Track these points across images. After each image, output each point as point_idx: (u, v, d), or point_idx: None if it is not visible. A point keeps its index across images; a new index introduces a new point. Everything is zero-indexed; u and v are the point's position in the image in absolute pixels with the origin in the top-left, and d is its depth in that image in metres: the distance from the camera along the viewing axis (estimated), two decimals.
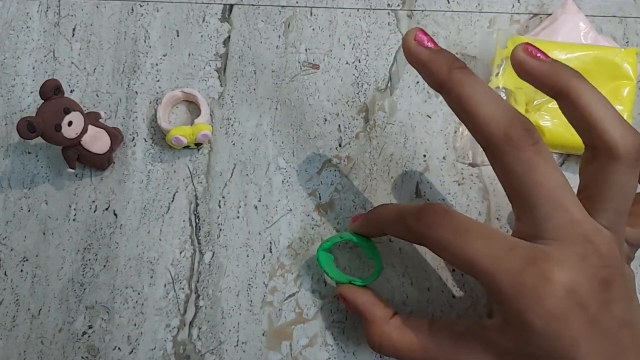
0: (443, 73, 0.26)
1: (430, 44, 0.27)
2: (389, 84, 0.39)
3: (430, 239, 0.26)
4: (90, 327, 0.34)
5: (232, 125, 0.38)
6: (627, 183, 0.26)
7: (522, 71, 0.27)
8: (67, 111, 0.33)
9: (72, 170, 0.36)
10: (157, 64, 0.39)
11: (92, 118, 0.36)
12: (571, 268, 0.24)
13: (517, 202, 0.26)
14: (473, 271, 0.25)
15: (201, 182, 0.37)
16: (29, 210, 0.36)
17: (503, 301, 0.24)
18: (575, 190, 0.27)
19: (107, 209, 0.36)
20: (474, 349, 0.26)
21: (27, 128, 0.31)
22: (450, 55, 0.27)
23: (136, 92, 0.39)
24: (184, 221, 0.36)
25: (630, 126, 0.26)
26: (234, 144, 0.38)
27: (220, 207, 0.36)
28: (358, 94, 0.39)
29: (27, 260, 0.36)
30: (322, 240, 0.35)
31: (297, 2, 0.41)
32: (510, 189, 0.26)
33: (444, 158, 0.37)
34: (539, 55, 0.27)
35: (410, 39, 0.27)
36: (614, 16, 0.41)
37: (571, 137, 0.35)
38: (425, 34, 0.27)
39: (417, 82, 0.39)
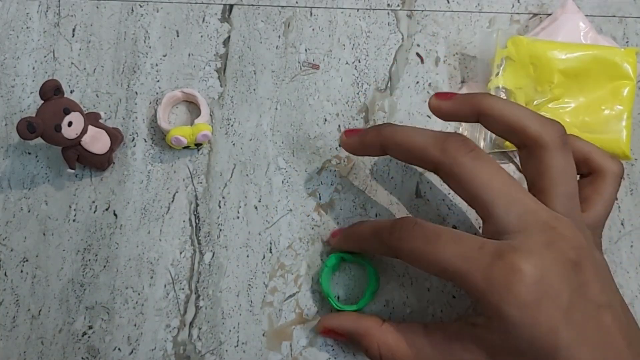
0: (375, 137, 0.31)
1: (357, 133, 0.32)
2: (389, 84, 0.39)
3: (404, 251, 0.28)
4: (90, 327, 0.34)
5: (232, 125, 0.38)
6: (564, 165, 0.28)
7: (442, 114, 0.31)
8: (67, 111, 0.33)
9: (72, 171, 0.36)
10: (157, 64, 0.39)
11: (92, 118, 0.36)
12: (538, 256, 0.24)
13: (476, 205, 0.27)
14: (447, 274, 0.26)
15: (201, 183, 0.37)
16: (29, 211, 0.36)
17: (479, 298, 0.25)
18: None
19: (107, 210, 0.36)
20: (468, 348, 0.27)
21: (27, 128, 0.31)
22: (375, 125, 0.31)
23: (136, 93, 0.39)
24: (184, 221, 0.36)
25: (546, 118, 0.28)
26: (233, 144, 0.38)
27: (220, 207, 0.36)
28: (358, 94, 0.39)
29: (27, 260, 0.36)
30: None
31: (297, 2, 0.41)
32: (466, 196, 0.28)
33: None
34: (449, 96, 0.31)
35: (343, 138, 0.33)
36: (614, 16, 0.41)
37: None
38: (352, 130, 0.33)
39: (417, 82, 0.39)
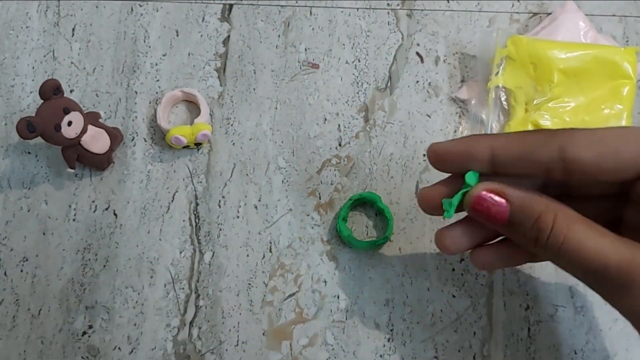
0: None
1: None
2: (389, 84, 0.39)
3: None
4: (90, 327, 0.34)
5: (231, 124, 0.38)
6: None
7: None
8: (66, 111, 0.33)
9: (72, 170, 0.36)
10: (156, 64, 0.39)
11: (91, 118, 0.36)
12: None
13: None
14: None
15: (201, 182, 0.37)
16: (28, 210, 0.36)
17: None
18: None
19: (107, 209, 0.36)
20: None
21: (27, 128, 0.31)
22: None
23: (136, 92, 0.39)
24: (183, 221, 0.36)
25: None
26: (233, 144, 0.38)
27: (220, 206, 0.36)
28: (358, 93, 0.39)
29: (27, 260, 0.36)
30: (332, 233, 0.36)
31: (296, 2, 0.41)
32: None
33: None
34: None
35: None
36: (614, 15, 0.40)
37: None
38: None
39: (417, 82, 0.39)
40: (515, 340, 0.34)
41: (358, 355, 0.34)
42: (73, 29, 0.40)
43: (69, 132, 0.33)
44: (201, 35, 0.40)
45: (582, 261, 0.23)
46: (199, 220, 0.36)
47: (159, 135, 0.38)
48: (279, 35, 0.40)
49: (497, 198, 0.25)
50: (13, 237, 0.36)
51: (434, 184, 0.29)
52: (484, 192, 0.26)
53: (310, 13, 0.41)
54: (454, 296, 0.35)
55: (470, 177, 0.27)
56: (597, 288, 0.24)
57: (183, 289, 0.35)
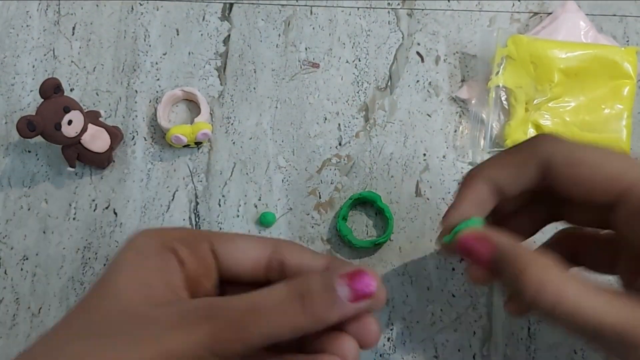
0: None
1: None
2: (389, 83, 0.39)
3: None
4: None
5: (232, 124, 0.38)
6: None
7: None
8: (67, 110, 0.33)
9: (72, 169, 0.36)
10: (157, 63, 0.39)
11: (92, 117, 0.36)
12: None
13: None
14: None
15: (201, 181, 0.37)
16: (29, 209, 0.36)
17: None
18: None
19: (107, 208, 0.36)
20: None
21: (27, 127, 0.31)
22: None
23: (136, 91, 0.39)
24: (184, 220, 0.36)
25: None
26: (234, 143, 0.38)
27: (220, 205, 0.36)
28: (358, 92, 0.39)
29: (27, 258, 0.36)
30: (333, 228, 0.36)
31: (297, 1, 0.41)
32: None
33: (443, 157, 0.37)
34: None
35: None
36: (614, 15, 0.40)
37: (570, 136, 0.35)
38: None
39: (417, 81, 0.39)
40: (515, 340, 0.34)
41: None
42: (73, 28, 0.40)
43: (69, 130, 0.33)
44: (201, 35, 0.40)
45: (576, 323, 0.22)
46: (199, 219, 0.36)
47: (159, 134, 0.38)
48: (279, 35, 0.40)
49: (478, 246, 0.24)
50: (13, 235, 0.36)
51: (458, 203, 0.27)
52: (465, 237, 0.25)
53: (311, 12, 0.40)
54: (454, 296, 0.35)
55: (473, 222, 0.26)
56: (592, 345, 0.24)
57: None
